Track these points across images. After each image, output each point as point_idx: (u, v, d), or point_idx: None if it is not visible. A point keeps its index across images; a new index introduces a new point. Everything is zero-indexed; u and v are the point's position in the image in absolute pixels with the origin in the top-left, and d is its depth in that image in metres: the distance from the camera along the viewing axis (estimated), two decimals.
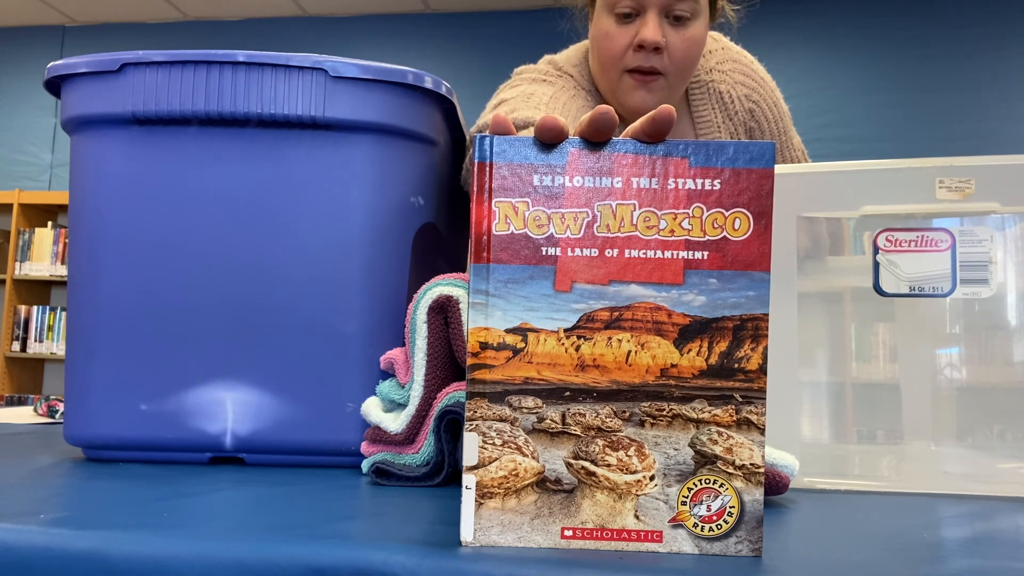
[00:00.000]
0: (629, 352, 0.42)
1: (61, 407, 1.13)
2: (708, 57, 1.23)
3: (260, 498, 0.53)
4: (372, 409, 0.66)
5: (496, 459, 0.42)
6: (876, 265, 0.66)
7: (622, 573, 0.36)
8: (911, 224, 0.66)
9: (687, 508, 0.41)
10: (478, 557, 0.38)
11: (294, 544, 0.40)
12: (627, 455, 0.42)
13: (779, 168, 0.69)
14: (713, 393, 0.42)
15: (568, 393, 0.42)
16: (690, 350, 0.42)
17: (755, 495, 0.41)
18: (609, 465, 0.42)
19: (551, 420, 0.42)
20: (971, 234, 0.64)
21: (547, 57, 1.24)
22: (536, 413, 0.42)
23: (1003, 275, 0.65)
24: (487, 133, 0.44)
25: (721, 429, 0.42)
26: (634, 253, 0.43)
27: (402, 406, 0.65)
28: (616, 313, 0.42)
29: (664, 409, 0.42)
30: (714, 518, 0.41)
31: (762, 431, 0.41)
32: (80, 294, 0.70)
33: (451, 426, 0.61)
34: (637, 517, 0.41)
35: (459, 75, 4.23)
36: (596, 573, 0.36)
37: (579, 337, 0.43)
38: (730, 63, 1.25)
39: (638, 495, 0.41)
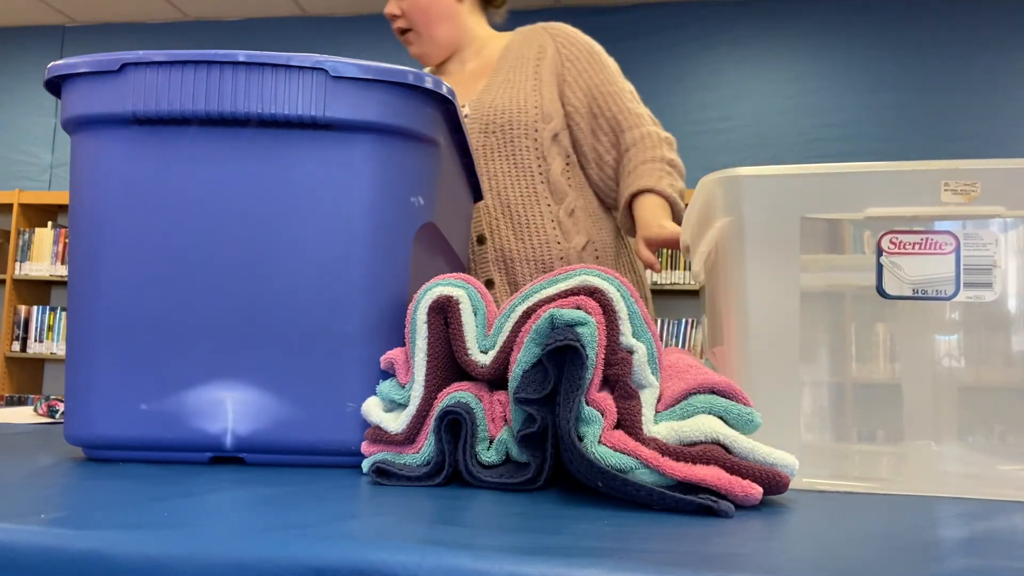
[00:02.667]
0: None
1: (61, 407, 1.13)
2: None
3: (260, 498, 0.53)
4: (372, 409, 0.66)
5: None
6: (879, 267, 0.66)
7: (628, 569, 0.36)
8: (915, 226, 0.66)
9: None
10: (478, 557, 0.38)
11: (294, 544, 0.40)
12: None
13: (782, 169, 0.69)
14: None
15: None
16: None
17: None
18: None
19: None
20: (976, 237, 0.64)
21: None
22: None
23: (1006, 278, 0.65)
24: None
25: None
26: None
27: (402, 406, 0.65)
28: None
29: None
30: None
31: None
32: (80, 294, 0.70)
33: (451, 426, 0.61)
34: None
35: None
36: (600, 570, 0.36)
37: None
38: (551, 24, 1.52)
39: None
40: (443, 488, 0.59)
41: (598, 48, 1.47)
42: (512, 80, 1.43)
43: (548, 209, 1.40)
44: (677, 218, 1.32)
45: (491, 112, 1.40)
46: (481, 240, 1.41)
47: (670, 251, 3.67)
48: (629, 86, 1.45)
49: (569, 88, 1.42)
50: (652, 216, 1.29)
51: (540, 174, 1.40)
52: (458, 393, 0.62)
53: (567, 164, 1.42)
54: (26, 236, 4.36)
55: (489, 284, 1.40)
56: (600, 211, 1.47)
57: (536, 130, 1.39)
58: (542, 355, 0.57)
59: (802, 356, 0.67)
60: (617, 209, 1.41)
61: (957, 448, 0.65)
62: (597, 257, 1.44)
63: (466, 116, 1.42)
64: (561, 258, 1.39)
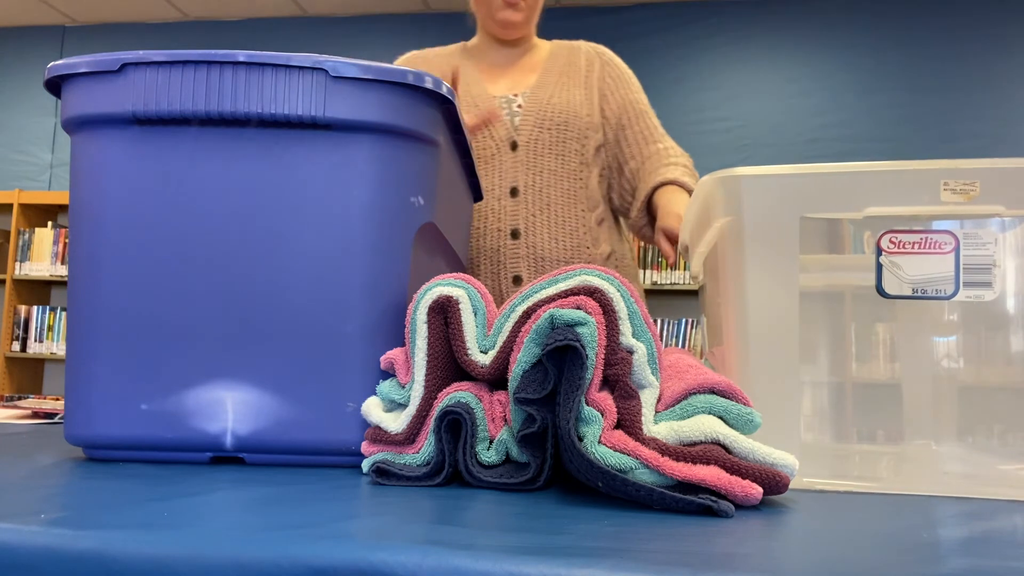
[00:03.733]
0: None
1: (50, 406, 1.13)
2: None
3: (260, 498, 0.53)
4: (373, 409, 0.66)
5: None
6: (879, 267, 0.66)
7: (628, 569, 0.36)
8: (914, 226, 0.66)
9: None
10: (478, 557, 0.38)
11: (294, 544, 0.40)
12: None
13: (782, 169, 0.69)
14: None
15: None
16: None
17: None
18: None
19: None
20: (975, 236, 0.64)
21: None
22: None
23: (1006, 277, 0.65)
24: None
25: None
26: None
27: (403, 406, 0.65)
28: None
29: None
30: None
31: None
32: (80, 294, 0.70)
33: (452, 426, 0.61)
34: None
35: None
36: (600, 570, 0.36)
37: None
38: (598, 46, 1.57)
39: None
40: (443, 488, 0.59)
41: (634, 75, 1.55)
42: (567, 84, 1.47)
43: (583, 214, 1.43)
44: None
45: (548, 108, 1.43)
46: (515, 235, 1.41)
47: None
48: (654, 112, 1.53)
49: (605, 100, 1.48)
50: (673, 205, 1.33)
51: (581, 179, 1.44)
52: (458, 393, 0.62)
53: (601, 176, 1.48)
54: (26, 236, 4.36)
55: (517, 280, 1.41)
56: (617, 225, 1.53)
57: (586, 137, 1.44)
58: (542, 355, 0.57)
59: (802, 356, 0.67)
60: (630, 216, 1.47)
61: (957, 448, 0.65)
62: (617, 267, 1.48)
63: (519, 106, 1.45)
64: (589, 263, 1.41)
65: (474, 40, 1.58)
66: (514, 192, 1.42)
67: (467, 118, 1.50)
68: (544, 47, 1.56)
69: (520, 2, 1.46)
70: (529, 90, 1.47)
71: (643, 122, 1.48)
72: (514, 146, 1.43)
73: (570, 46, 1.54)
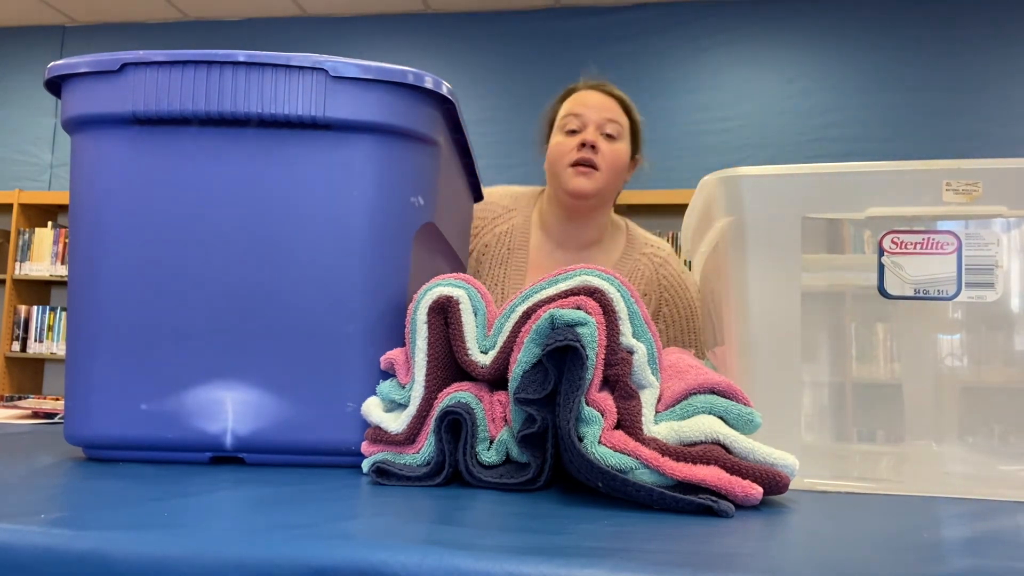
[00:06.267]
0: None
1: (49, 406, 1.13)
2: (656, 249, 1.48)
3: (260, 498, 0.53)
4: (373, 409, 0.66)
5: None
6: (881, 267, 0.66)
7: (628, 569, 0.36)
8: (916, 226, 0.65)
9: None
10: (478, 557, 0.38)
11: (294, 544, 0.40)
12: None
13: (783, 169, 0.69)
14: None
15: None
16: None
17: None
18: None
19: None
20: (977, 237, 0.64)
21: (505, 191, 1.53)
22: None
23: (1009, 278, 0.65)
24: None
25: None
26: None
27: (403, 406, 0.65)
28: None
29: None
30: None
31: None
32: (80, 294, 0.70)
33: (452, 426, 0.61)
34: None
35: (459, 75, 4.23)
36: (600, 570, 0.36)
37: None
38: (667, 267, 1.46)
39: None
40: (443, 488, 0.59)
41: (695, 307, 1.43)
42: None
43: None
44: None
45: None
46: None
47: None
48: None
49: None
50: None
51: None
52: (458, 393, 0.62)
53: None
54: (26, 236, 4.36)
55: None
56: None
57: None
58: (542, 355, 0.57)
59: (803, 356, 0.67)
60: None
61: (958, 448, 0.65)
62: None
63: None
64: None
65: (545, 202, 1.47)
66: None
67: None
68: (616, 244, 1.45)
69: (593, 171, 1.35)
70: None
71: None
72: None
73: (635, 261, 1.43)
